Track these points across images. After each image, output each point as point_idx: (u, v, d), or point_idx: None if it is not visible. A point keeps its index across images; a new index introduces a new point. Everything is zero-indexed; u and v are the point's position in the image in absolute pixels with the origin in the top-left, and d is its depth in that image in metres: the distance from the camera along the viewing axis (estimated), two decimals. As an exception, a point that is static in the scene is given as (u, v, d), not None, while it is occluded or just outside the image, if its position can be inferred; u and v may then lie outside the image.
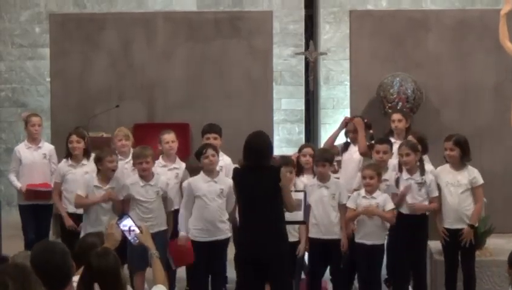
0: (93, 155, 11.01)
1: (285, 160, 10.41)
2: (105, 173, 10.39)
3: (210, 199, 10.06)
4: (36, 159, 11.45)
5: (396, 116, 11.65)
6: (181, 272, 10.65)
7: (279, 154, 12.43)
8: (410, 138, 10.90)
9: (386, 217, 10.11)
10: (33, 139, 11.52)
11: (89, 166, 10.95)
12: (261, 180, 8.89)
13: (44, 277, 5.17)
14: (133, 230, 6.97)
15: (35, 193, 11.30)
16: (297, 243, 10.26)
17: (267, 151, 9.06)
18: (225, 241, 10.27)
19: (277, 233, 8.89)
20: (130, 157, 10.98)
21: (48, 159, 11.47)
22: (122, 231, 6.95)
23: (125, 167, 10.99)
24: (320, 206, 10.06)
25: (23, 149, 11.55)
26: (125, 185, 10.25)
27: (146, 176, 10.18)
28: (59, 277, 5.29)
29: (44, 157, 11.44)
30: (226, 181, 10.20)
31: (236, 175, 9.09)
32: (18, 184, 11.36)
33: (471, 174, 10.25)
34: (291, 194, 9.18)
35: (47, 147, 11.61)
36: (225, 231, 10.18)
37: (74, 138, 11.09)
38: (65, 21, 14.65)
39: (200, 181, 10.11)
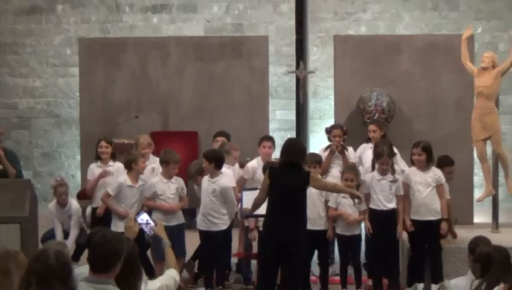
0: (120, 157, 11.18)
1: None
2: (137, 173, 10.46)
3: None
4: (63, 219, 11.35)
5: (371, 127, 11.69)
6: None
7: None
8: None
9: (360, 219, 10.37)
10: (61, 203, 11.43)
11: (114, 167, 11.05)
12: (293, 180, 8.97)
13: (94, 260, 5.38)
14: (149, 223, 7.00)
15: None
16: None
17: (301, 152, 9.23)
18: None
19: (299, 225, 8.99)
20: (150, 160, 11.08)
21: (75, 217, 11.34)
22: (140, 224, 6.97)
23: (146, 169, 11.06)
24: (310, 201, 10.07)
25: (53, 211, 11.31)
26: (151, 184, 10.31)
27: (171, 176, 10.27)
28: (103, 265, 5.41)
29: (69, 217, 11.28)
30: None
31: (273, 172, 9.13)
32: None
33: (436, 173, 10.34)
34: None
35: (74, 208, 11.35)
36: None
37: (103, 143, 11.13)
38: (92, 44, 14.67)
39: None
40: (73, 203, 11.37)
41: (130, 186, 10.41)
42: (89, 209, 11.67)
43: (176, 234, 9.86)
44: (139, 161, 10.46)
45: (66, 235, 11.22)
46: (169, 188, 10.26)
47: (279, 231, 8.90)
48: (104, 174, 10.83)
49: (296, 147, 9.23)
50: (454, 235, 10.56)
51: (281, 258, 8.94)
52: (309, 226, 9.80)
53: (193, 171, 10.89)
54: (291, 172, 9.02)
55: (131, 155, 10.67)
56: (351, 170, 10.58)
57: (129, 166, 10.50)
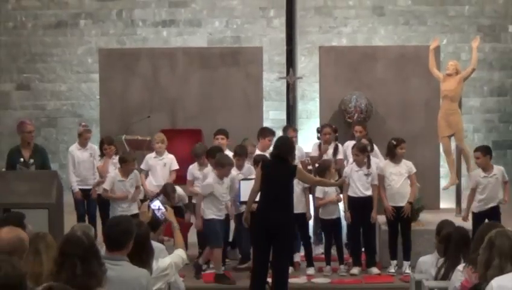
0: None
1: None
2: (127, 171, 10.48)
3: None
4: (84, 157, 11.46)
5: (358, 128, 11.71)
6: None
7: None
8: (363, 140, 10.98)
9: (339, 199, 10.51)
10: (82, 144, 11.54)
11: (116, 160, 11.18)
12: (281, 171, 9.04)
13: (108, 239, 5.41)
14: (161, 209, 6.95)
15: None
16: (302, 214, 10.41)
17: (290, 148, 9.32)
18: None
19: (287, 210, 9.07)
20: (164, 155, 11.14)
21: (92, 157, 11.48)
22: (153, 210, 6.94)
23: (158, 163, 11.04)
24: (297, 189, 10.12)
25: (74, 150, 11.58)
26: (209, 184, 10.14)
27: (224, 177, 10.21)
28: (116, 243, 5.43)
29: (90, 155, 11.46)
30: None
31: (264, 164, 9.22)
32: (76, 188, 11.39)
33: (408, 165, 10.39)
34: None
35: (92, 148, 11.63)
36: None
37: (106, 146, 11.33)
38: (110, 54, 14.65)
39: None
40: (92, 145, 11.69)
41: (120, 181, 10.45)
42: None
43: (225, 223, 10.27)
44: (130, 163, 10.51)
45: (85, 195, 11.40)
46: (222, 188, 10.19)
47: (270, 215, 8.95)
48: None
49: (285, 144, 9.28)
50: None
51: (272, 239, 8.97)
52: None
53: (199, 152, 10.82)
54: (280, 165, 9.07)
55: (125, 156, 10.70)
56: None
57: (121, 163, 10.57)
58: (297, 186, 10.30)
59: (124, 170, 10.48)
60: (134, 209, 10.33)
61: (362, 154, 10.43)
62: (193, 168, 10.84)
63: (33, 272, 5.24)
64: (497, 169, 10.35)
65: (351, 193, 10.43)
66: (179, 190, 10.85)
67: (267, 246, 9.07)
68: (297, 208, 10.31)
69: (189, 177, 10.84)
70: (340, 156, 11.41)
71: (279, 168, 9.08)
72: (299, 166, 9.48)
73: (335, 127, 11.80)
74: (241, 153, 10.62)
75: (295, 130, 11.95)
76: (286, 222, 9.03)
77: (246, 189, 9.85)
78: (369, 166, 10.43)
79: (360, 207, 10.37)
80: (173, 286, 6.63)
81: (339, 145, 11.59)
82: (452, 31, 16.56)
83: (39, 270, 5.31)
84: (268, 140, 11.14)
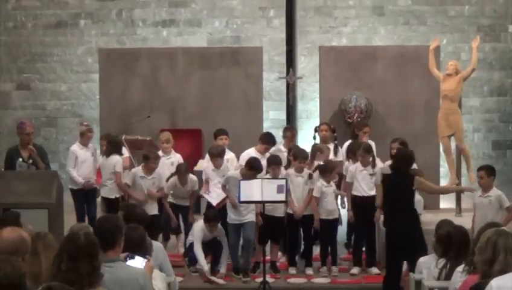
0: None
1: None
2: (149, 168, 10.48)
3: None
4: (87, 156, 11.45)
5: (367, 129, 11.74)
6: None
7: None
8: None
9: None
10: (84, 144, 11.51)
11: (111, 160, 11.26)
12: (400, 183, 9.21)
13: (100, 238, 5.26)
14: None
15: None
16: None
17: (408, 160, 9.37)
18: None
19: (410, 220, 9.18)
20: (171, 154, 11.19)
21: (93, 156, 11.49)
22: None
23: (165, 163, 11.01)
24: (298, 189, 10.09)
25: (77, 149, 11.55)
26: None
27: None
28: (108, 240, 5.36)
29: (91, 155, 11.46)
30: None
31: (385, 178, 9.38)
32: (80, 180, 11.35)
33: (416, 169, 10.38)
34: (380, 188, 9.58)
35: (93, 147, 11.66)
36: None
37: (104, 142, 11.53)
38: (110, 54, 14.65)
39: None
40: (93, 145, 11.72)
41: (142, 177, 10.41)
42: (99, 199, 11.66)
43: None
44: (151, 161, 10.47)
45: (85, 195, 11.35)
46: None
47: (395, 228, 9.18)
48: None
49: (403, 157, 9.43)
50: None
51: (403, 251, 9.08)
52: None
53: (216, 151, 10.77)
54: (399, 177, 9.24)
55: (147, 153, 10.69)
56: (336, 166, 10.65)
57: (143, 160, 10.56)
58: (305, 186, 10.32)
59: (146, 167, 10.47)
60: (153, 210, 10.27)
61: (368, 154, 10.43)
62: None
63: (32, 272, 5.23)
64: (494, 192, 9.50)
65: (355, 192, 10.42)
66: (191, 176, 10.83)
67: (398, 260, 9.20)
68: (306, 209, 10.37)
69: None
70: (340, 157, 11.38)
71: (397, 180, 9.23)
72: (418, 177, 9.46)
73: (333, 127, 11.79)
74: (256, 168, 10.36)
75: (288, 129, 11.82)
76: (408, 230, 9.13)
77: (246, 189, 9.83)
78: (374, 166, 10.42)
79: (363, 207, 10.36)
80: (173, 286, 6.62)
81: (338, 146, 11.57)
82: (452, 31, 16.55)
83: (38, 270, 5.30)
84: (265, 148, 10.97)
